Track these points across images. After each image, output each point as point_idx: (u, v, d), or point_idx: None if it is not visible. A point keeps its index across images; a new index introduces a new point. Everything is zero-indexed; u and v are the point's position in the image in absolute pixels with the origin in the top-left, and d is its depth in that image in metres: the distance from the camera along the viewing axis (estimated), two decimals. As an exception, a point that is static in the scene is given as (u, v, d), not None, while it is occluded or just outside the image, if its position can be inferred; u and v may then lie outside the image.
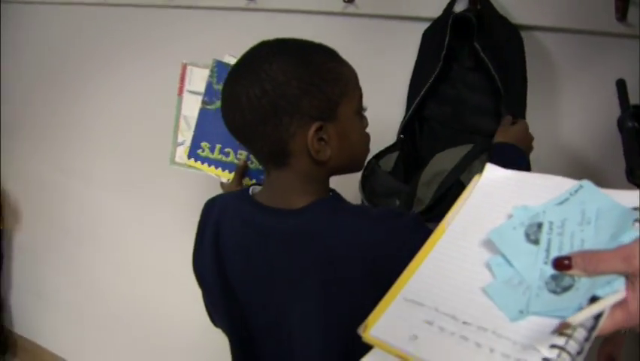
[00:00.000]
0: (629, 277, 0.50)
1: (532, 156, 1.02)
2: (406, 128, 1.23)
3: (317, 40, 1.29)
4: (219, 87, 1.09)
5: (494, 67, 1.07)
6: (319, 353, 0.78)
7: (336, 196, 0.88)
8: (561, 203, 0.58)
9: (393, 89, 1.28)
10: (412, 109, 1.20)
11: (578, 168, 1.14)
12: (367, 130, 0.91)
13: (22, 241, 2.44)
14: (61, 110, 2.06)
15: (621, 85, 0.79)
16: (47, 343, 2.42)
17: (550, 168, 1.13)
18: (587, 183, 0.59)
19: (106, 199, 2.04)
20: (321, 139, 0.81)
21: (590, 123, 1.12)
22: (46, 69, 2.07)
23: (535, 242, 0.56)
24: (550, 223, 0.57)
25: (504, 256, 0.57)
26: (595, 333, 0.48)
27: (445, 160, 1.09)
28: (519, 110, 1.09)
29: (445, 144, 1.17)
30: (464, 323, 0.54)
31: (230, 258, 0.88)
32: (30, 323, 2.49)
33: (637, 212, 0.54)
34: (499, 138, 1.00)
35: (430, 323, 0.55)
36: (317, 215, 0.82)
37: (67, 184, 2.15)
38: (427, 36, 1.20)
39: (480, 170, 0.69)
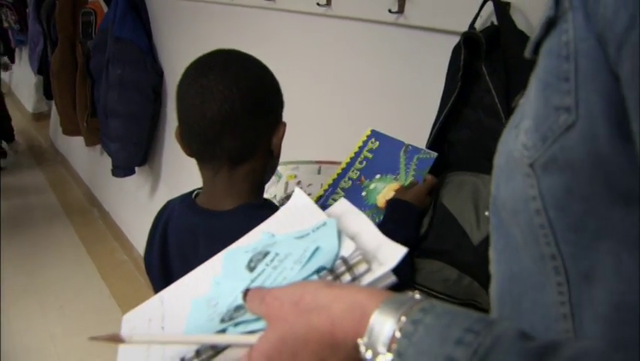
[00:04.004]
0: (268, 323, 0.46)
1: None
2: (435, 148, 1.16)
3: (371, 47, 1.30)
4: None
5: (497, 93, 0.96)
6: None
7: (263, 204, 0.91)
8: (301, 237, 0.55)
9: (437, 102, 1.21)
10: (433, 132, 1.13)
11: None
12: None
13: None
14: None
15: None
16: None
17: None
18: (330, 222, 0.54)
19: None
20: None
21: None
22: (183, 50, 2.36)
23: (252, 270, 0.54)
24: (276, 255, 0.54)
25: (223, 276, 0.56)
26: None
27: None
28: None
29: (468, 170, 1.08)
30: (162, 327, 0.55)
31: (172, 253, 0.96)
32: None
33: (339, 261, 0.49)
34: (396, 195, 1.02)
35: (150, 320, 0.57)
36: (235, 219, 0.87)
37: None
38: (453, 53, 1.10)
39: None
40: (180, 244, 0.94)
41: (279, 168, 1.25)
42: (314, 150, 1.49)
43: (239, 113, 0.85)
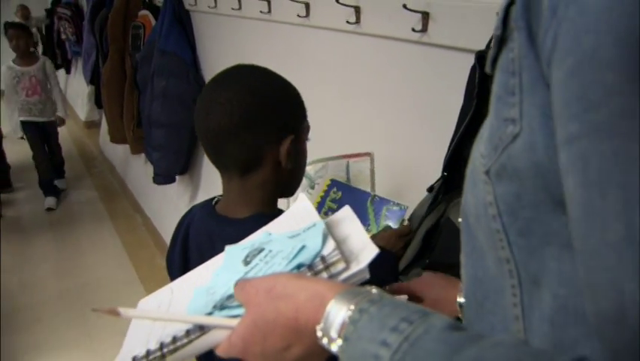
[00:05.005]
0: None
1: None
2: (452, 166, 1.18)
3: (397, 63, 1.32)
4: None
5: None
6: None
7: (275, 216, 0.95)
8: (292, 236, 0.60)
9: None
10: (451, 148, 1.15)
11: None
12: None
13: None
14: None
15: None
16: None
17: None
18: (318, 223, 0.59)
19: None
20: (289, 150, 0.91)
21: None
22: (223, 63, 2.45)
23: (247, 264, 0.59)
24: (269, 251, 0.59)
25: (222, 269, 0.61)
26: (189, 348, 0.51)
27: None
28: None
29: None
30: (167, 311, 0.60)
31: (192, 255, 1.01)
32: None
33: (318, 260, 0.53)
34: None
35: (159, 305, 0.63)
36: (246, 227, 0.90)
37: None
38: (471, 72, 1.13)
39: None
40: (199, 247, 0.99)
41: (308, 169, 1.26)
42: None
43: (239, 125, 0.88)
